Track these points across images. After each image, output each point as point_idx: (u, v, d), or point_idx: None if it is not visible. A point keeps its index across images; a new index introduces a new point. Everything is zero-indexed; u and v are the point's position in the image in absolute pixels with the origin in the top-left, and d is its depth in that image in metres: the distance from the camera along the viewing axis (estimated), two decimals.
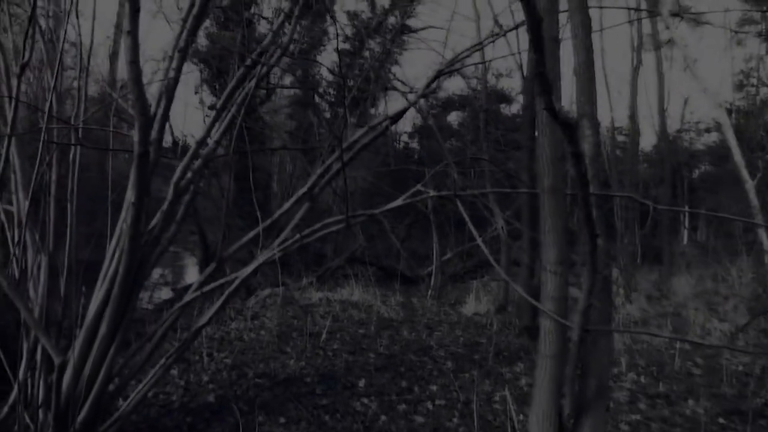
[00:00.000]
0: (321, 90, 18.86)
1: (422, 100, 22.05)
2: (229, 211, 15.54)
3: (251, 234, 4.03)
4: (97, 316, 3.64)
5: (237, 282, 3.66)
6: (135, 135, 3.24)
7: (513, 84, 24.63)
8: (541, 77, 1.60)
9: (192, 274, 17.46)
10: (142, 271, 3.72)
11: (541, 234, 2.58)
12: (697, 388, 5.60)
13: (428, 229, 17.15)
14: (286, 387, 5.24)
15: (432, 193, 3.45)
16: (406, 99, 3.56)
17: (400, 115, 4.05)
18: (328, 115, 18.75)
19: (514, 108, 24.44)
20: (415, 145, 24.01)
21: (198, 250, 17.46)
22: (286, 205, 4.10)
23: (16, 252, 3.95)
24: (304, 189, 4.06)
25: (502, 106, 22.74)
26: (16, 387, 3.60)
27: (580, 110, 3.14)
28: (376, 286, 11.09)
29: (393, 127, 22.71)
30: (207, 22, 16.83)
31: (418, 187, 3.60)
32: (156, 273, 17.07)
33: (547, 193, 2.53)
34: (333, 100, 18.65)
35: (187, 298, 3.78)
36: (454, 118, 25.12)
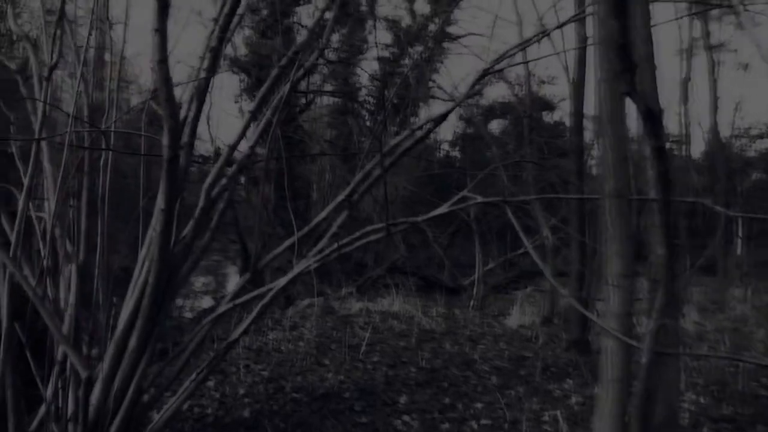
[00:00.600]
0: (361, 98, 18.75)
1: (464, 107, 21.83)
2: (269, 220, 15.52)
3: (287, 243, 3.84)
4: (127, 327, 3.48)
5: (271, 294, 3.47)
6: (164, 139, 3.07)
7: (555, 91, 24.19)
8: (623, 51, 1.36)
9: (234, 283, 17.39)
10: (173, 280, 3.55)
11: (603, 244, 2.32)
12: (766, 411, 5.23)
13: (470, 238, 16.88)
14: (324, 402, 5.03)
15: (479, 199, 3.22)
16: (453, 98, 3.32)
17: (443, 117, 3.83)
18: (368, 123, 18.61)
19: (557, 115, 24.06)
20: (456, 153, 23.72)
21: (239, 259, 17.49)
22: (324, 213, 3.91)
23: (46, 260, 3.84)
24: (343, 196, 3.85)
25: (545, 113, 22.35)
26: (45, 400, 3.47)
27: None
28: (416, 296, 10.85)
29: (434, 136, 22.51)
30: (247, 31, 16.87)
31: (464, 193, 3.37)
32: (199, 281, 17.16)
33: (611, 197, 2.27)
34: (373, 108, 18.50)
35: (220, 309, 3.61)
36: (495, 126, 24.79)
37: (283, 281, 3.42)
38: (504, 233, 17.72)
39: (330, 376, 5.84)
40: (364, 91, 18.93)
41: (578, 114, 7.00)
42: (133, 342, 3.42)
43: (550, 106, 22.93)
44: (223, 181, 4.12)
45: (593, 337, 7.27)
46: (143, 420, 3.90)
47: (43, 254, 3.69)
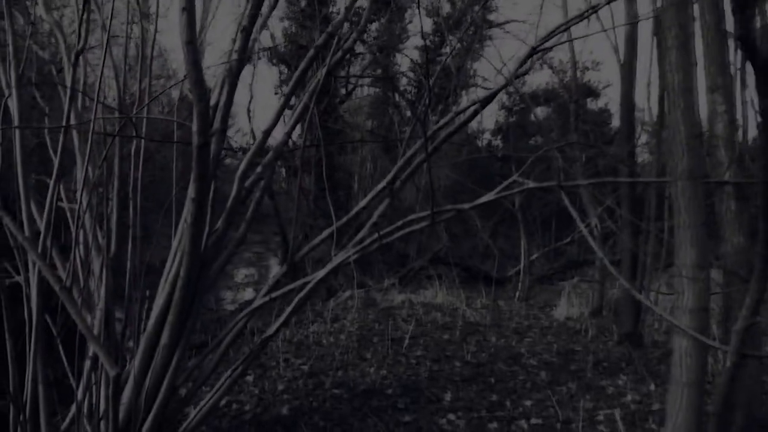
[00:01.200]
0: (401, 87, 18.52)
1: (508, 93, 21.37)
2: (309, 211, 15.42)
3: (325, 234, 3.65)
4: (158, 322, 3.34)
5: (309, 286, 3.28)
6: (194, 124, 2.90)
7: (600, 77, 23.61)
8: None
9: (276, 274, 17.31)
10: (205, 273, 3.39)
11: (675, 231, 2.06)
12: None
13: (514, 228, 16.54)
14: (366, 399, 4.84)
15: (530, 184, 2.97)
16: (503, 76, 3.06)
17: (490, 98, 3.58)
18: (408, 113, 18.37)
19: (601, 102, 23.46)
20: (498, 142, 23.30)
21: (281, 251, 17.41)
22: (364, 201, 3.70)
23: (75, 252, 3.72)
24: (384, 183, 3.64)
25: (589, 100, 21.79)
26: (76, 397, 3.34)
27: (710, 83, 2.60)
28: (460, 287, 10.60)
29: (476, 125, 22.13)
30: (286, 23, 16.76)
31: (514, 178, 3.13)
32: (241, 273, 17.17)
33: (684, 179, 2.01)
34: (413, 98, 18.24)
35: (257, 303, 3.44)
36: (538, 114, 24.30)
37: (321, 273, 3.23)
38: (548, 223, 17.36)
39: (372, 370, 5.65)
40: (404, 80, 18.71)
41: (628, 97, 6.64)
42: (165, 338, 3.27)
43: (594, 93, 22.38)
44: (258, 169, 3.96)
45: (646, 330, 6.96)
46: (178, 416, 3.77)
47: (73, 246, 3.57)
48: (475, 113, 3.71)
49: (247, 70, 20.30)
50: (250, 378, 5.53)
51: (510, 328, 7.99)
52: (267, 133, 3.62)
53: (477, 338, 7.19)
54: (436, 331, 7.47)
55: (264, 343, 3.48)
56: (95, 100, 2.91)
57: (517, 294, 10.72)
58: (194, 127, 2.90)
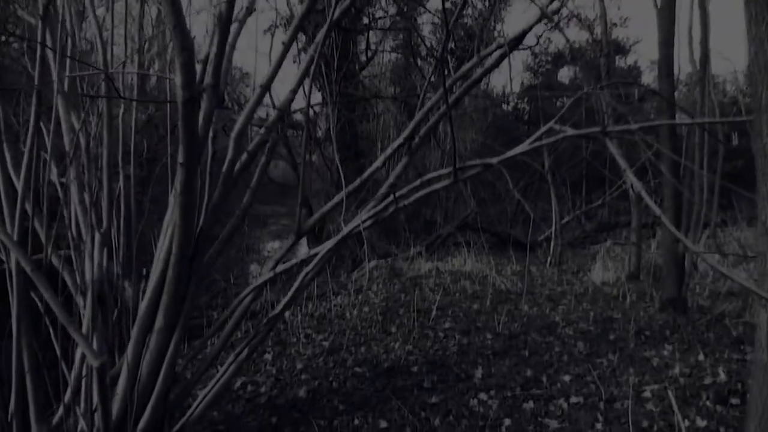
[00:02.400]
0: (423, 51, 17.94)
1: (532, 57, 20.67)
2: (332, 181, 15.04)
3: (334, 200, 3.26)
4: (151, 305, 2.99)
5: (317, 260, 2.89)
6: (177, 77, 2.51)
7: (628, 33, 22.79)
8: None
9: (304, 249, 16.98)
10: (202, 248, 3.03)
11: (759, 181, 1.64)
12: None
13: (541, 192, 16.03)
14: (389, 378, 4.48)
15: (570, 132, 2.54)
16: (542, 8, 2.61)
17: (519, 39, 3.13)
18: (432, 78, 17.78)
19: (630, 59, 22.68)
20: (524, 105, 22.66)
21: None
22: (379, 161, 3.29)
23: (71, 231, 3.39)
24: (401, 138, 3.23)
25: (618, 57, 21.03)
26: (69, 386, 3.03)
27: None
28: (489, 254, 10.18)
29: (500, 88, 21.46)
30: None
31: (551, 124, 2.69)
32: (269, 247, 16.89)
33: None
34: (435, 60, 17.63)
35: (261, 279, 3.06)
36: (564, 74, 23.62)
37: (329, 244, 2.84)
38: (578, 185, 16.81)
39: (397, 346, 5.29)
40: (425, 48, 18.13)
41: (667, 43, 6.07)
42: (159, 321, 2.93)
43: (622, 50, 21.63)
44: (262, 131, 3.58)
45: (692, 295, 6.51)
46: (184, 403, 3.44)
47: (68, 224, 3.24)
48: (502, 58, 3.26)
49: (265, 40, 19.82)
50: (268, 356, 5.22)
51: (543, 295, 7.59)
52: (265, 87, 3.21)
53: (508, 307, 6.80)
54: (465, 301, 7.09)
55: (270, 324, 3.11)
56: (56, 52, 2.54)
57: (549, 259, 10.27)
58: (178, 80, 2.52)
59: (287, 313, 6.78)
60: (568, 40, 20.39)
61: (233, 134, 3.10)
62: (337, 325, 6.11)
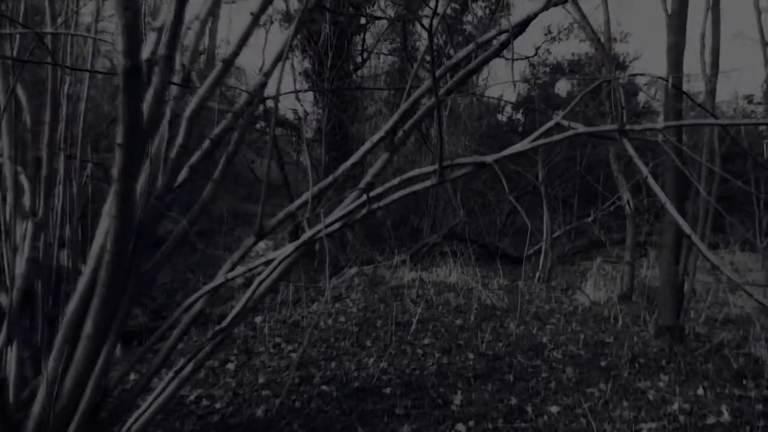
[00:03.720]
0: (419, 58, 17.55)
1: (529, 68, 20.33)
2: (319, 181, 14.58)
3: (298, 202, 2.85)
4: (80, 307, 2.55)
5: (273, 266, 2.46)
6: (119, 43, 2.10)
7: (627, 49, 22.57)
8: None
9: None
10: (143, 243, 2.59)
11: None
12: None
13: (532, 205, 15.65)
14: (358, 401, 4.04)
15: (581, 129, 2.12)
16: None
17: (524, 25, 2.73)
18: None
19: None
20: (519, 116, 22.33)
21: (288, 223, 16.56)
22: (355, 158, 2.88)
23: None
24: (382, 132, 2.81)
25: (617, 72, 20.72)
26: None
27: None
28: (476, 266, 9.77)
29: (496, 97, 21.14)
30: None
31: (558, 119, 2.28)
32: (258, 246, 16.36)
33: None
34: (431, 68, 17.24)
35: (209, 286, 2.63)
36: (561, 86, 23.32)
37: (288, 249, 2.42)
38: (569, 200, 16.46)
39: (371, 362, 4.87)
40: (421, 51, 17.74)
41: (677, 49, 5.68)
42: (88, 327, 2.49)
43: (622, 66, 21.35)
44: (228, 117, 3.16)
45: (687, 321, 6.12)
46: (119, 421, 2.99)
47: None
48: (502, 46, 2.85)
49: (259, 34, 19.40)
50: (231, 366, 4.79)
51: (530, 313, 7.18)
52: (228, 62, 2.78)
53: (493, 324, 6.39)
54: (448, 315, 6.67)
55: (217, 338, 2.67)
56: None
57: (538, 275, 9.87)
58: (119, 46, 2.11)
59: (258, 318, 6.35)
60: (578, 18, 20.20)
61: (186, 113, 2.67)
62: (309, 334, 5.68)
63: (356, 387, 4.29)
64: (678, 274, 5.66)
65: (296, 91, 3.76)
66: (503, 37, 2.83)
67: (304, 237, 2.33)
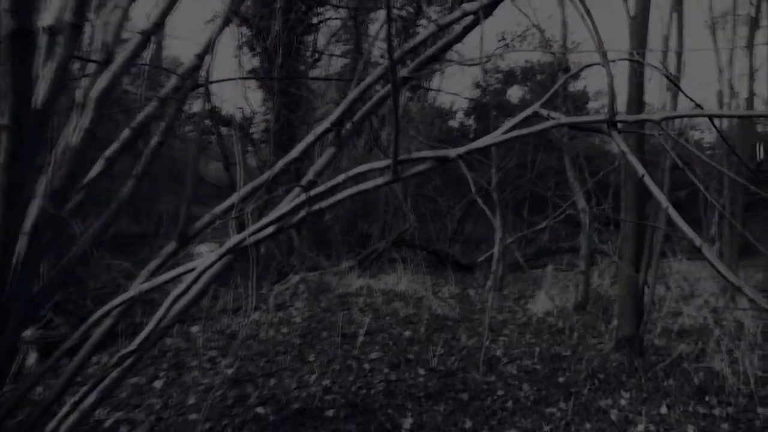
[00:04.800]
0: (373, 61, 17.22)
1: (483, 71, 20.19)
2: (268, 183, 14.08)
3: (226, 203, 2.45)
4: None
5: (192, 279, 2.05)
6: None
7: (579, 58, 22.70)
8: None
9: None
10: (36, 246, 2.16)
11: None
12: None
13: (483, 212, 15.43)
14: (296, 425, 3.63)
15: (563, 119, 1.78)
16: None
17: (493, 5, 2.38)
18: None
19: (580, 85, 22.48)
20: (471, 122, 22.19)
21: (234, 231, 15.96)
22: (294, 152, 2.49)
23: None
24: (327, 123, 2.43)
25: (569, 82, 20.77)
26: None
27: None
28: (426, 273, 9.44)
29: (449, 103, 21.04)
30: None
31: (535, 108, 1.93)
32: (197, 250, 15.72)
33: None
34: (388, 49, 16.90)
35: (118, 300, 2.20)
36: (513, 93, 23.26)
37: (210, 258, 2.01)
38: (520, 207, 16.34)
39: (313, 379, 4.47)
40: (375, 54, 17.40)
41: (640, 52, 5.46)
42: None
43: (574, 75, 21.38)
44: (154, 102, 2.74)
45: (649, 334, 5.88)
46: None
47: None
48: (465, 31, 2.51)
49: (209, 30, 18.76)
50: (158, 384, 4.33)
51: (482, 323, 6.87)
52: (147, 34, 2.36)
53: (445, 336, 6.06)
54: (397, 326, 6.31)
55: (125, 363, 2.24)
56: None
57: (489, 283, 9.59)
58: (4, 4, 1.72)
59: (194, 328, 5.90)
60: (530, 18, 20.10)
61: (93, 93, 2.24)
62: (249, 347, 5.26)
63: (296, 409, 3.88)
64: (638, 284, 5.42)
65: (234, 78, 3.35)
66: (468, 20, 2.48)
67: (229, 244, 1.93)
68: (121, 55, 2.27)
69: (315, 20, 15.51)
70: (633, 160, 1.65)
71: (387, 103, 3.01)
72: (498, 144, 1.86)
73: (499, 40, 18.60)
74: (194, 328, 5.88)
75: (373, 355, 5.18)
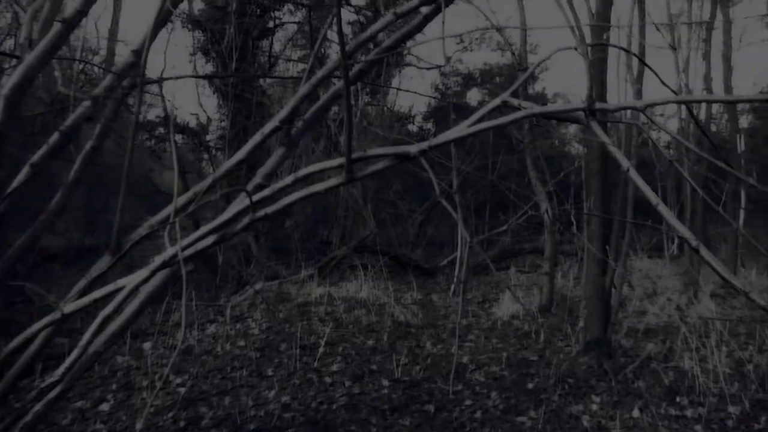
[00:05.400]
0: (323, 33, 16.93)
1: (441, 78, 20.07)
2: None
3: (163, 212, 2.21)
4: None
5: (122, 297, 1.80)
6: None
7: (536, 60, 22.85)
8: None
9: None
10: None
11: None
12: None
13: (445, 213, 15.30)
14: None
15: (538, 108, 1.59)
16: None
17: None
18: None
19: (539, 86, 22.59)
20: (429, 126, 22.11)
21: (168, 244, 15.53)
22: (241, 154, 2.26)
23: None
24: (276, 121, 2.22)
25: (527, 84, 20.84)
26: None
27: None
28: (388, 279, 9.25)
29: (407, 107, 20.89)
30: None
31: (504, 97, 1.74)
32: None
33: None
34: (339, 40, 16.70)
35: (40, 324, 1.94)
36: (472, 96, 23.25)
37: (141, 274, 1.77)
38: (482, 211, 16.27)
39: (271, 395, 4.22)
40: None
41: (603, 49, 5.36)
42: None
43: (532, 77, 21.47)
44: (84, 105, 2.50)
45: (616, 335, 5.76)
46: None
47: None
48: (425, 20, 2.31)
49: (162, 36, 18.32)
50: (105, 407, 4.04)
51: (447, 329, 6.70)
52: (68, 24, 2.10)
53: (408, 344, 5.87)
54: (359, 335, 6.10)
55: (43, 398, 1.98)
56: None
57: (452, 287, 9.43)
58: None
59: (146, 345, 5.60)
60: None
61: (4, 90, 1.98)
62: (204, 362, 4.99)
63: (252, 429, 3.63)
64: (605, 285, 5.30)
65: (175, 77, 3.10)
66: (428, 9, 2.29)
67: (161, 258, 1.70)
68: (37, 47, 2.01)
69: (270, 24, 15.25)
70: (615, 151, 1.47)
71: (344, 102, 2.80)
72: (464, 137, 1.67)
73: (458, 43, 18.56)
74: (146, 345, 5.58)
75: (335, 367, 4.95)
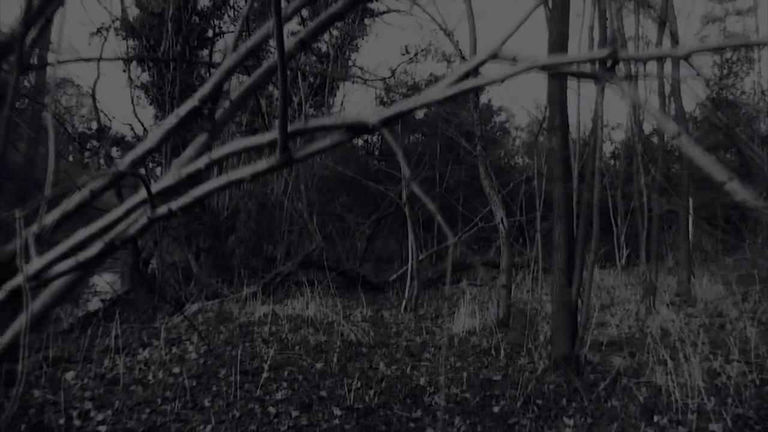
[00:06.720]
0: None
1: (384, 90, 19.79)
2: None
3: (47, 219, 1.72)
4: None
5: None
6: None
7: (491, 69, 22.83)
8: None
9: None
10: None
11: None
12: None
13: (392, 229, 14.93)
14: None
15: (542, 61, 1.18)
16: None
17: None
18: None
19: (484, 98, 22.50)
20: (376, 139, 21.76)
21: (124, 252, 14.71)
22: (148, 143, 1.79)
23: None
24: (195, 100, 1.75)
25: (472, 95, 20.70)
26: None
27: None
28: (336, 295, 8.77)
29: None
30: None
31: (495, 50, 1.33)
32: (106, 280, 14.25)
33: None
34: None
35: None
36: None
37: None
38: (431, 225, 15.94)
39: (208, 431, 3.71)
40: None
41: (560, 46, 5.04)
42: None
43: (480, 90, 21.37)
44: None
45: (584, 350, 5.40)
46: None
47: None
48: None
49: (94, 45, 17.49)
50: None
51: (401, 347, 6.26)
52: None
53: (361, 365, 5.41)
54: (307, 357, 5.60)
55: None
56: None
57: (404, 303, 8.99)
58: None
59: (69, 374, 4.99)
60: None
61: None
62: (132, 394, 4.43)
63: None
64: (572, 297, 4.94)
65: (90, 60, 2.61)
66: None
67: (7, 286, 1.22)
68: None
69: (210, 33, 14.74)
70: (656, 112, 1.07)
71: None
72: (442, 102, 1.25)
73: (403, 54, 18.26)
74: (69, 375, 4.98)
75: (279, 395, 4.45)
